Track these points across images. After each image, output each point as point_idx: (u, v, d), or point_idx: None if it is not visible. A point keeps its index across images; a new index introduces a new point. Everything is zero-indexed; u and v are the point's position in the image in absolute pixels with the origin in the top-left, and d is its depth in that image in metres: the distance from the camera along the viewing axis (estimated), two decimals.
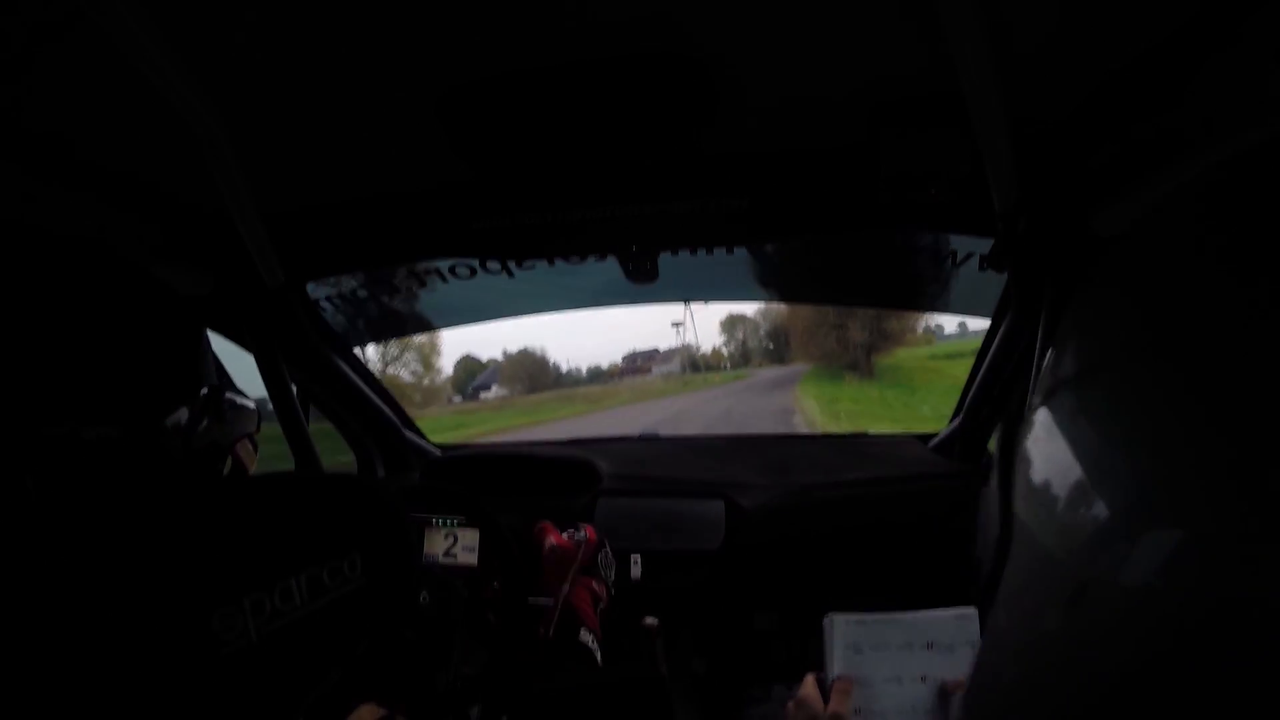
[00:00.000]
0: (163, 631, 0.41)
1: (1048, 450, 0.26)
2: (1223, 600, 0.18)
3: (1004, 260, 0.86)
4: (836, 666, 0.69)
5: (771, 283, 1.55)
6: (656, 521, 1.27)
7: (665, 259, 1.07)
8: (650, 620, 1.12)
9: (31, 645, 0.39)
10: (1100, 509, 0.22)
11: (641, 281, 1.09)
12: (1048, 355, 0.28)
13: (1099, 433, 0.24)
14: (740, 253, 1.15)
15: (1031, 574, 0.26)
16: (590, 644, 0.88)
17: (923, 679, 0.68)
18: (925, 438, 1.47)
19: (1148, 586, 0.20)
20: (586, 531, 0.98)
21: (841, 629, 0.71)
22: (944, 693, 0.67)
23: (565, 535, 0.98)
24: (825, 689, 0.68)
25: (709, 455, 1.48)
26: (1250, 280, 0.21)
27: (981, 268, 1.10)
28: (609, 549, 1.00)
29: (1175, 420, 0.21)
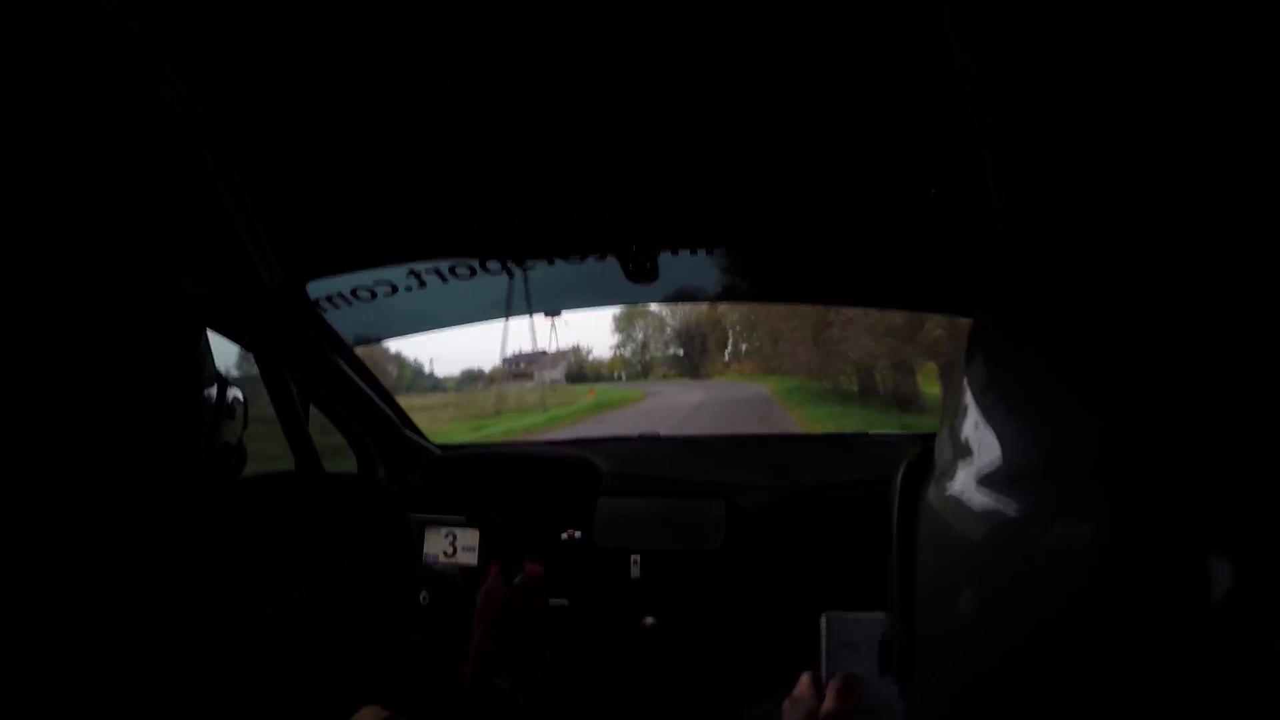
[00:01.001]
0: (162, 632, 0.41)
1: (953, 440, 0.27)
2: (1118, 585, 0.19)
3: (1004, 260, 0.86)
4: (831, 664, 0.69)
5: (763, 280, 1.55)
6: (656, 521, 1.27)
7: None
8: (650, 620, 1.12)
9: (32, 646, 0.39)
10: (998, 494, 0.24)
11: (641, 281, 1.09)
12: (963, 358, 0.29)
13: (996, 428, 0.25)
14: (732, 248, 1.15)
15: (944, 560, 0.26)
16: (507, 690, 0.85)
17: None
18: (925, 437, 1.47)
19: (1049, 576, 0.21)
20: (528, 572, 0.93)
21: (836, 627, 0.71)
22: None
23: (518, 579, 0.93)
24: (820, 687, 0.68)
25: (709, 455, 1.48)
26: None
27: (982, 267, 1.10)
28: (543, 591, 0.94)
29: (1071, 438, 0.22)
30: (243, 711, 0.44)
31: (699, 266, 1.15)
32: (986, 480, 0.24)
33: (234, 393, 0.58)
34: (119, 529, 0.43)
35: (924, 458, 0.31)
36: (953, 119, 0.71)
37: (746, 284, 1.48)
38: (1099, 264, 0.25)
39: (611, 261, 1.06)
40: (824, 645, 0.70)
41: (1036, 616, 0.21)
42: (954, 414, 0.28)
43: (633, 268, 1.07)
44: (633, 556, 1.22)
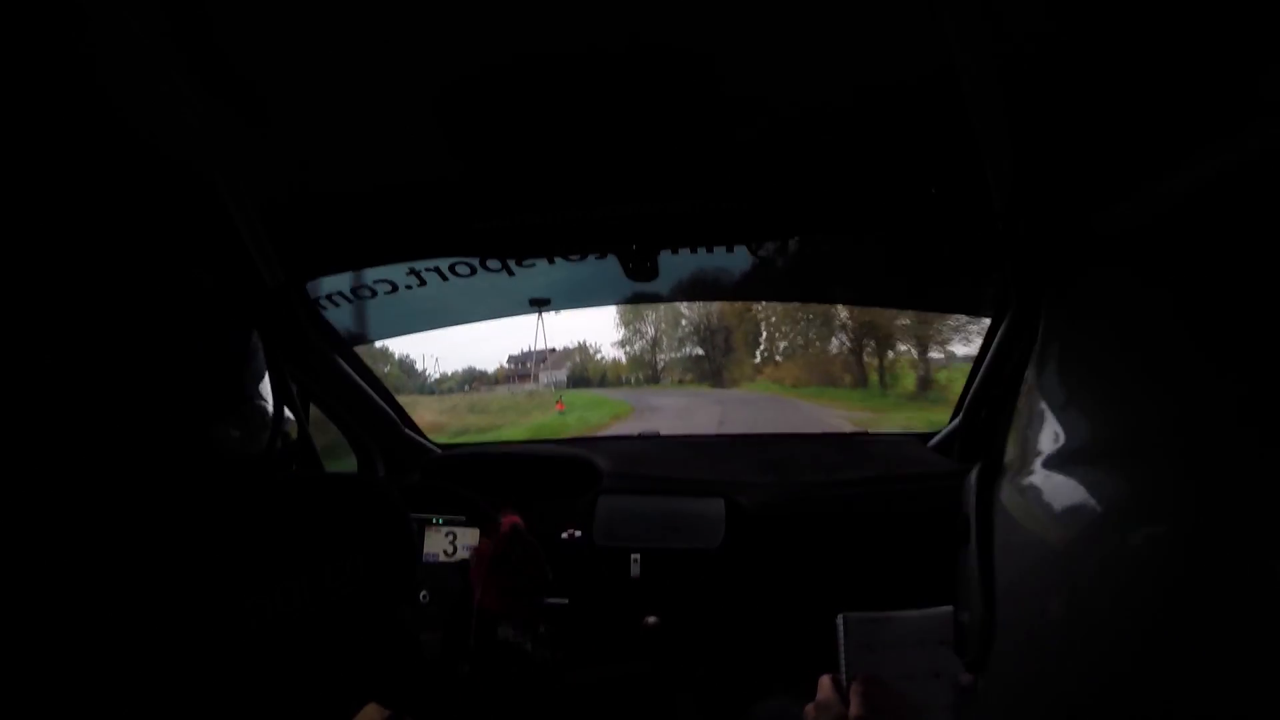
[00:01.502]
0: (164, 632, 0.41)
1: (1033, 451, 0.27)
2: (1207, 586, 0.19)
3: (1004, 260, 0.86)
4: (851, 666, 0.69)
5: (764, 281, 1.54)
6: (656, 520, 1.27)
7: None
8: (651, 619, 1.12)
9: (33, 648, 0.39)
10: (1090, 506, 0.23)
11: (641, 280, 1.09)
12: (1032, 358, 0.29)
13: (1082, 435, 0.25)
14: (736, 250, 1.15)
15: (1025, 567, 0.26)
16: (512, 638, 0.84)
17: (936, 675, 0.68)
18: (925, 437, 1.47)
19: (1138, 576, 0.21)
20: (503, 522, 0.91)
21: (854, 628, 0.70)
22: (959, 688, 0.67)
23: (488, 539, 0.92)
24: (842, 690, 0.67)
25: (709, 454, 1.48)
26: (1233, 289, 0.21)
27: (982, 267, 1.10)
28: (525, 533, 0.92)
29: (1153, 424, 0.22)
30: (246, 709, 0.44)
31: (701, 264, 1.15)
32: (1068, 472, 0.25)
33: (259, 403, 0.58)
34: (125, 530, 0.43)
35: (995, 459, 0.31)
36: (953, 119, 0.71)
37: (748, 283, 1.48)
38: (1172, 253, 0.25)
39: (613, 259, 1.06)
40: (841, 647, 0.70)
41: (1122, 607, 0.21)
42: (1027, 413, 0.28)
43: (633, 267, 1.07)
44: (633, 556, 1.22)
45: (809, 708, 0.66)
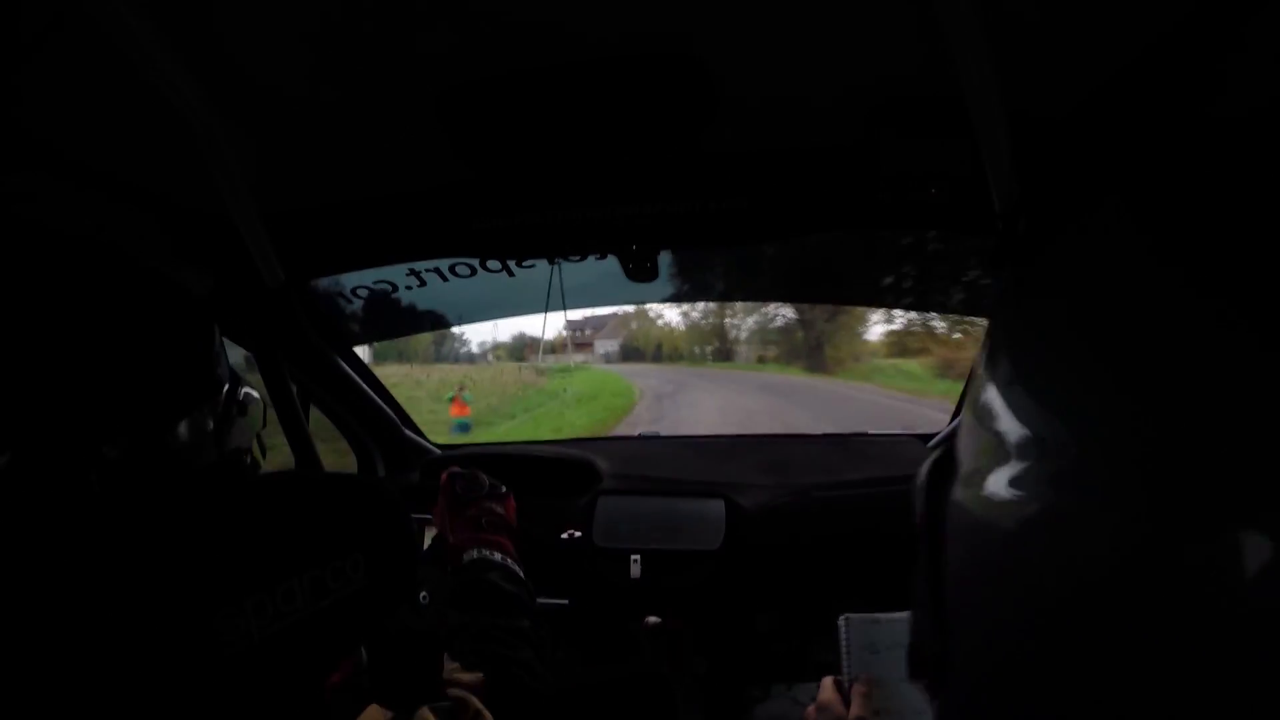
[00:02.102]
0: (165, 633, 0.41)
1: (983, 449, 0.26)
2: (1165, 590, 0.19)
3: (1004, 260, 0.86)
4: (853, 668, 0.69)
5: (765, 281, 1.55)
6: (656, 521, 1.27)
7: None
8: (651, 620, 1.12)
9: (35, 647, 0.39)
10: (1041, 507, 0.23)
11: (641, 280, 1.09)
12: (981, 355, 0.28)
13: (1031, 432, 0.24)
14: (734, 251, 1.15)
15: (976, 562, 0.26)
16: (493, 556, 0.81)
17: None
18: (925, 437, 1.47)
19: (1094, 580, 0.20)
20: (446, 473, 0.91)
21: (856, 629, 0.70)
22: None
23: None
24: (844, 691, 0.67)
25: (709, 455, 1.48)
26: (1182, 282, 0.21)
27: (982, 268, 1.10)
28: (459, 469, 0.92)
29: (1108, 421, 0.21)
30: (245, 712, 0.44)
31: (701, 264, 1.15)
32: (1020, 479, 0.24)
33: (246, 390, 0.58)
34: (120, 530, 0.43)
35: (947, 457, 0.30)
36: (953, 119, 0.71)
37: (749, 283, 1.48)
38: (1123, 252, 0.24)
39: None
40: (843, 648, 0.70)
41: (1076, 616, 0.21)
42: (977, 412, 0.27)
43: (633, 267, 1.07)
44: (633, 557, 1.22)
45: (810, 709, 0.66)
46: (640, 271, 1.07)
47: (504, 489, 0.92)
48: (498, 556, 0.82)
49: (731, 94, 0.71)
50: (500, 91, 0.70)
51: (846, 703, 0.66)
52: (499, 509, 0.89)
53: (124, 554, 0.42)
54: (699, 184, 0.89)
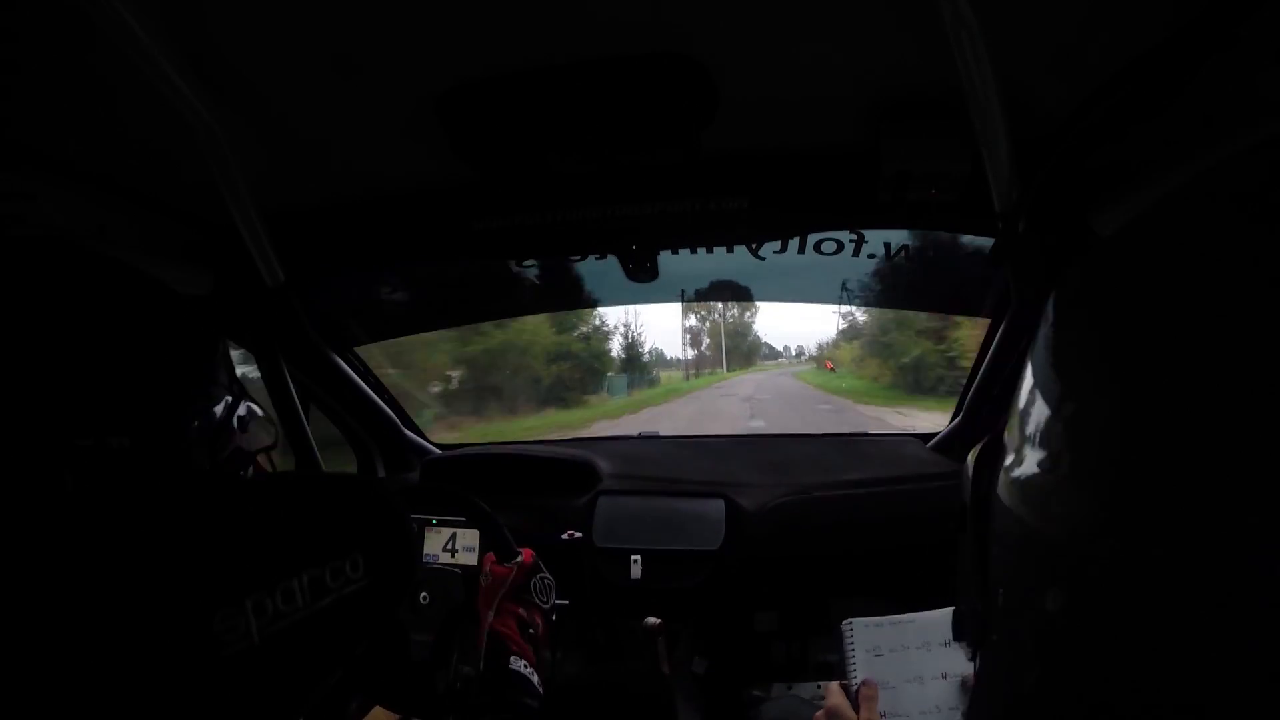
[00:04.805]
0: (164, 633, 0.41)
1: (1030, 442, 0.27)
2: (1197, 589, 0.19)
3: (1004, 260, 0.86)
4: (859, 671, 0.69)
5: (765, 281, 1.55)
6: (656, 521, 1.27)
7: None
8: (652, 620, 1.12)
9: (34, 646, 0.39)
10: (1084, 501, 0.23)
11: (641, 280, 1.09)
12: (1028, 360, 0.29)
13: (1075, 428, 0.25)
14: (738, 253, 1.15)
15: (1023, 556, 0.27)
16: (524, 669, 0.85)
17: (944, 676, 0.68)
18: (925, 437, 1.47)
19: (1137, 571, 0.21)
20: (524, 554, 0.94)
21: (860, 633, 0.71)
22: (966, 687, 0.67)
23: (507, 564, 0.94)
24: (852, 696, 0.68)
25: (709, 455, 1.48)
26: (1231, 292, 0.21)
27: (981, 267, 1.10)
28: (545, 572, 0.96)
29: (1146, 422, 0.22)
30: (244, 712, 0.44)
31: (701, 264, 1.16)
32: (1057, 475, 0.25)
33: (250, 407, 0.57)
34: (122, 532, 0.43)
35: (995, 444, 0.32)
36: (953, 119, 0.71)
37: (749, 284, 1.48)
38: (1169, 251, 0.24)
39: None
40: (848, 652, 0.71)
41: (1118, 607, 0.21)
42: (1022, 405, 0.28)
43: (633, 267, 1.07)
44: (633, 557, 1.22)
45: (819, 715, 0.66)
46: (640, 271, 1.07)
47: (554, 606, 0.96)
48: (529, 670, 0.85)
49: (732, 94, 0.71)
50: (500, 91, 0.69)
51: (855, 706, 0.66)
52: (544, 625, 0.93)
53: (123, 554, 0.42)
54: (699, 184, 0.89)
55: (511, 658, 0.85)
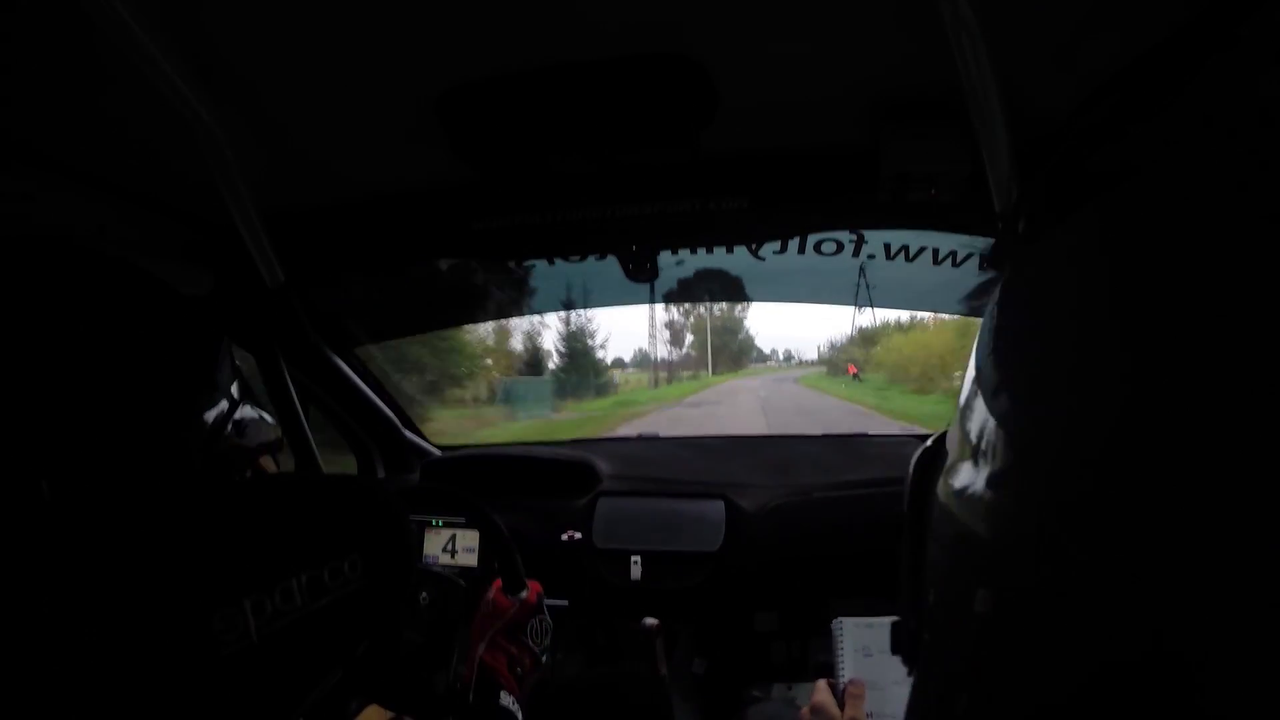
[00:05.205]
0: (163, 632, 0.41)
1: (966, 438, 0.27)
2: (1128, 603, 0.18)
3: (1004, 260, 0.86)
4: (847, 670, 0.69)
5: (765, 281, 1.55)
6: (656, 522, 1.27)
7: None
8: (651, 620, 1.12)
9: (32, 646, 0.39)
10: (1008, 500, 0.23)
11: (641, 280, 1.09)
12: (971, 358, 0.28)
13: (1010, 428, 0.25)
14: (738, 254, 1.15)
15: (956, 557, 0.26)
16: (511, 706, 0.84)
17: None
18: (925, 437, 1.47)
19: (1059, 574, 0.20)
20: (530, 590, 0.92)
21: (850, 633, 0.71)
22: None
23: (511, 598, 0.91)
24: (838, 694, 0.68)
25: (709, 455, 1.48)
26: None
27: (981, 268, 1.10)
28: (547, 614, 0.93)
29: (1083, 421, 0.21)
30: (243, 712, 0.44)
31: (701, 264, 1.15)
32: (994, 480, 0.24)
33: (249, 413, 0.57)
34: (120, 531, 0.43)
35: (936, 448, 0.31)
36: (953, 119, 0.71)
37: (749, 284, 1.48)
38: (1109, 253, 0.24)
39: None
40: (837, 651, 0.71)
41: (1048, 608, 0.21)
42: (963, 407, 0.27)
43: (633, 267, 1.07)
44: (633, 557, 1.22)
45: (804, 710, 0.66)
46: (640, 271, 1.07)
47: (545, 650, 0.94)
48: (516, 707, 0.85)
49: (732, 94, 0.71)
50: (500, 91, 0.69)
51: (840, 705, 0.66)
52: (530, 667, 0.91)
53: (123, 553, 0.42)
54: (699, 184, 0.89)
55: (501, 693, 0.85)
